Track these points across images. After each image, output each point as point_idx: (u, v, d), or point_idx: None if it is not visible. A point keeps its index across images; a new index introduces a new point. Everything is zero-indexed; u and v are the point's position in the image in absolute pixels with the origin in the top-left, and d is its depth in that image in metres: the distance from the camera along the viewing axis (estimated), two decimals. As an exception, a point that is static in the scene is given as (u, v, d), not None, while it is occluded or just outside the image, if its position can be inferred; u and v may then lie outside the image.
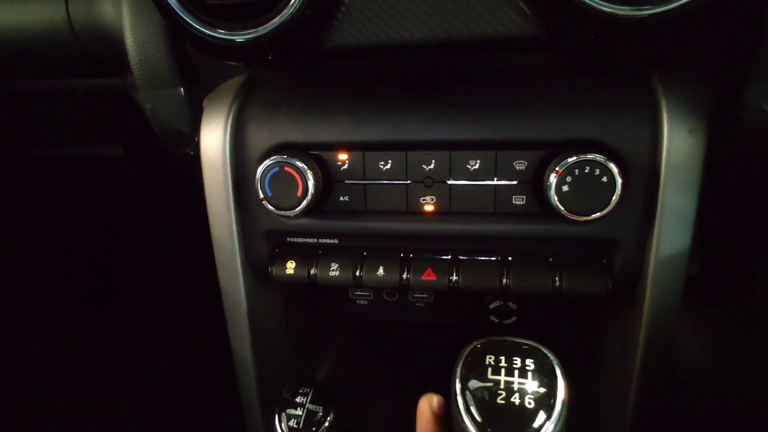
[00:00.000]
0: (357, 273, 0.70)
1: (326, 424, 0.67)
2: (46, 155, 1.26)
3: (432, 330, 1.03)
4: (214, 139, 0.69)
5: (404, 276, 0.69)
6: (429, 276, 0.68)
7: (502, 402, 0.43)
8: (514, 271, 0.66)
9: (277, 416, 0.68)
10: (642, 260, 0.62)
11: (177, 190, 1.29)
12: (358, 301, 0.91)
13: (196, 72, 0.77)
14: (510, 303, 0.82)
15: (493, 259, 0.67)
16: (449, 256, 0.69)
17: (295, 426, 0.67)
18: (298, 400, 0.69)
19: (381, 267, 0.70)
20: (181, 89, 0.76)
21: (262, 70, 0.75)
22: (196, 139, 0.74)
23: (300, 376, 0.91)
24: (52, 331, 1.63)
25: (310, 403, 0.69)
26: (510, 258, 0.67)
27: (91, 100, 1.05)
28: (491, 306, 0.83)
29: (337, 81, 0.70)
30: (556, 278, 0.64)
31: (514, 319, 0.83)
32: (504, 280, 0.66)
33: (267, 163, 0.64)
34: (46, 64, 0.87)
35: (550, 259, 0.66)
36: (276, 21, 0.59)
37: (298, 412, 0.68)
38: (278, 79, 0.73)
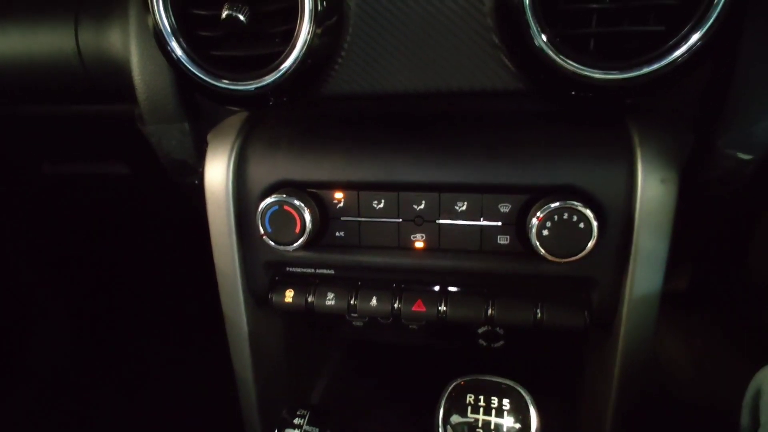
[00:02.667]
0: (351, 302, 0.74)
1: None
2: (55, 172, 1.30)
3: (423, 350, 1.07)
4: (217, 176, 0.73)
5: (395, 306, 0.73)
6: (419, 307, 0.72)
7: (480, 439, 0.47)
8: (498, 304, 0.70)
9: (274, 438, 0.72)
10: (618, 296, 0.66)
11: (181, 209, 1.33)
12: (354, 323, 0.96)
13: (200, 108, 0.81)
14: (497, 328, 0.87)
15: (478, 292, 0.72)
16: (438, 288, 0.73)
17: (293, 447, 0.71)
18: (296, 421, 0.73)
19: (374, 297, 0.74)
20: (186, 124, 0.80)
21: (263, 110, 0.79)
22: (200, 169, 0.78)
23: (298, 394, 0.95)
24: (58, 342, 1.67)
25: (307, 424, 0.73)
26: (494, 292, 0.71)
27: (98, 123, 1.09)
28: (480, 331, 0.88)
29: (334, 122, 0.74)
30: (537, 311, 0.68)
31: (501, 342, 0.87)
32: (489, 312, 0.70)
33: (267, 201, 0.68)
34: (57, 91, 0.91)
35: (532, 294, 0.70)
36: (279, 72, 0.62)
37: None
38: (278, 117, 0.77)
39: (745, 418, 0.61)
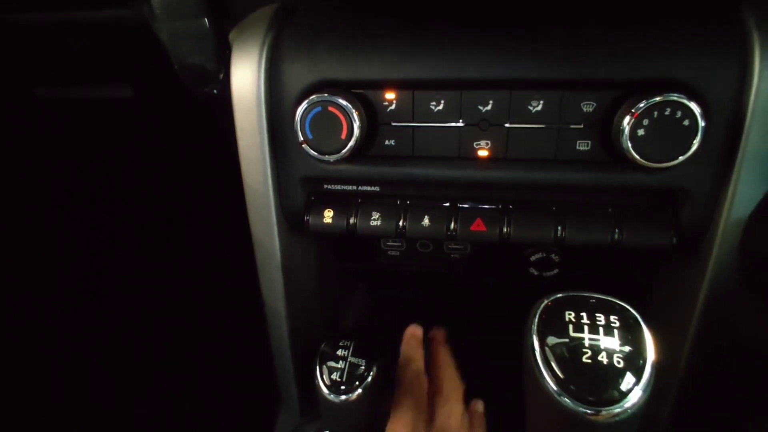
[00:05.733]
0: (400, 223, 0.66)
1: (369, 379, 0.65)
2: (49, 97, 1.19)
3: (457, 282, 1.00)
4: (246, 78, 0.64)
5: (452, 226, 0.65)
6: (479, 227, 0.64)
7: (588, 360, 0.40)
8: (570, 223, 0.62)
9: (317, 369, 0.66)
10: (713, 212, 0.58)
11: (193, 135, 1.23)
12: (389, 252, 0.88)
13: (224, 2, 0.70)
14: (553, 255, 0.79)
15: (546, 209, 0.63)
16: (499, 206, 0.65)
17: (338, 379, 0.65)
18: (339, 353, 0.67)
19: (426, 216, 0.66)
20: (205, 20, 0.69)
21: None
22: (221, 76, 0.68)
23: (328, 326, 0.89)
24: (59, 280, 1.61)
25: (351, 356, 0.66)
26: (566, 209, 0.63)
27: (96, 35, 0.98)
28: (532, 258, 0.80)
29: (382, 11, 0.63)
30: (617, 230, 0.60)
31: (555, 271, 0.80)
32: (560, 232, 0.62)
33: (308, 102, 0.59)
34: None
35: (609, 210, 0.62)
36: None
37: (340, 365, 0.66)
38: (315, 7, 0.66)
39: None
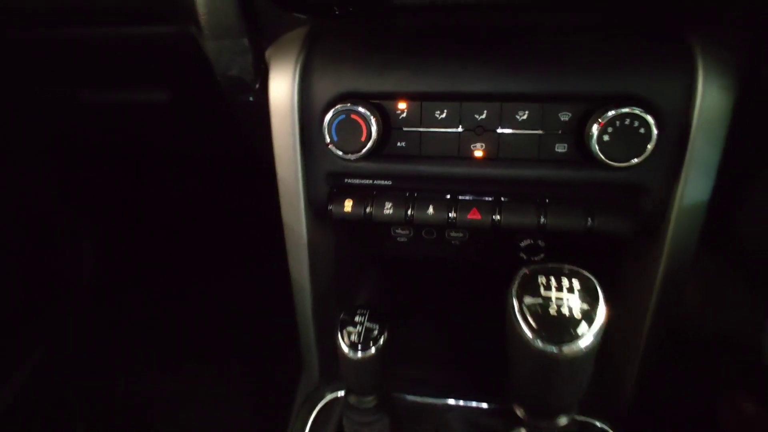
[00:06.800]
0: (409, 212, 0.79)
1: (381, 340, 0.77)
2: (91, 101, 1.31)
3: (456, 270, 1.13)
4: (282, 88, 0.76)
5: (451, 215, 0.77)
6: (474, 215, 0.77)
7: (554, 314, 0.53)
8: (551, 212, 0.74)
9: (339, 333, 0.78)
10: (667, 203, 0.70)
11: (225, 138, 1.35)
12: (398, 239, 1.01)
13: (260, 23, 0.82)
14: (539, 241, 0.92)
15: (531, 201, 0.76)
16: (492, 198, 0.78)
17: (356, 341, 0.77)
18: (356, 319, 0.79)
19: (431, 206, 0.78)
20: (246, 39, 0.81)
21: (323, 22, 0.80)
22: (257, 86, 0.81)
23: (346, 301, 1.02)
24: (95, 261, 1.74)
25: (367, 321, 0.79)
26: (547, 200, 0.75)
27: (138, 47, 1.09)
28: (522, 244, 0.93)
29: (398, 34, 0.76)
30: (589, 218, 0.73)
31: (542, 255, 0.92)
32: (542, 220, 0.74)
33: (335, 110, 0.71)
34: (106, 11, 0.91)
35: (583, 202, 0.74)
36: None
37: (357, 329, 0.78)
38: (340, 31, 0.78)
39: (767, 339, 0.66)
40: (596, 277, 0.57)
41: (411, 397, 0.94)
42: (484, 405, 0.90)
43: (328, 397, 0.97)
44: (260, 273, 1.25)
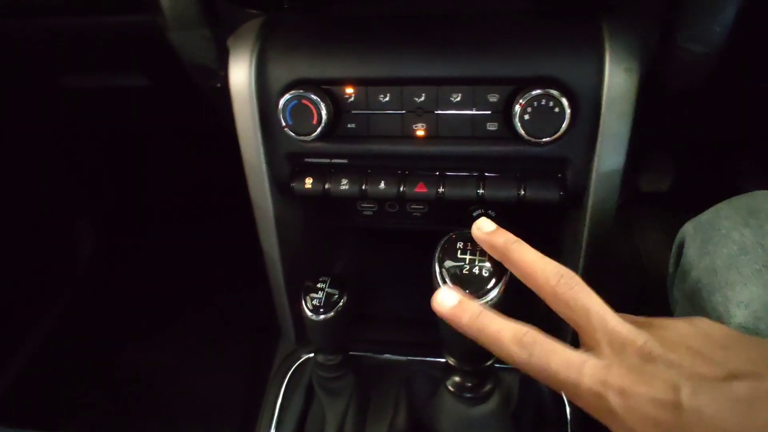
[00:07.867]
0: (363, 187, 0.86)
1: (341, 303, 0.86)
2: (73, 86, 1.37)
3: (424, 237, 1.22)
4: (240, 76, 0.83)
5: (401, 189, 0.85)
6: (421, 188, 0.85)
7: (467, 273, 0.61)
8: (487, 184, 0.82)
9: (303, 299, 0.87)
10: (587, 174, 0.78)
11: (203, 117, 1.42)
12: (364, 212, 1.09)
13: (219, 15, 0.89)
14: (490, 211, 1.00)
15: (471, 174, 0.84)
16: (437, 173, 0.85)
17: (318, 305, 0.86)
18: (318, 285, 0.88)
19: (382, 181, 0.86)
20: (208, 30, 0.88)
21: (277, 14, 0.87)
22: (221, 73, 0.88)
23: (320, 271, 1.11)
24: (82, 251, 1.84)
25: (328, 288, 0.88)
26: (486, 174, 0.83)
27: (117, 35, 1.15)
28: (474, 214, 1.01)
29: (343, 26, 0.82)
30: (521, 189, 0.81)
31: None
32: (480, 191, 0.82)
33: (287, 96, 0.79)
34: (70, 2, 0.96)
35: (517, 175, 0.82)
36: None
37: (319, 295, 0.87)
38: (292, 22, 0.85)
39: (671, 267, 0.75)
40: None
41: (375, 356, 1.04)
42: (442, 360, 1.00)
43: (303, 358, 1.07)
44: (241, 244, 1.34)
